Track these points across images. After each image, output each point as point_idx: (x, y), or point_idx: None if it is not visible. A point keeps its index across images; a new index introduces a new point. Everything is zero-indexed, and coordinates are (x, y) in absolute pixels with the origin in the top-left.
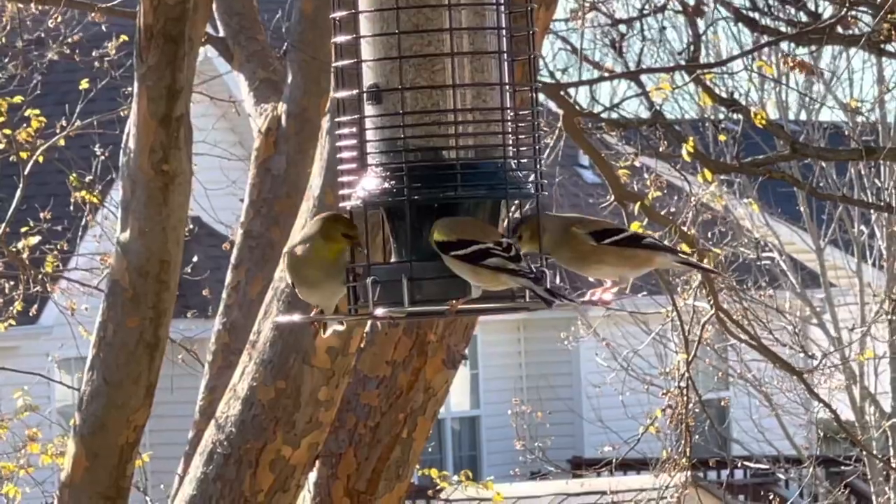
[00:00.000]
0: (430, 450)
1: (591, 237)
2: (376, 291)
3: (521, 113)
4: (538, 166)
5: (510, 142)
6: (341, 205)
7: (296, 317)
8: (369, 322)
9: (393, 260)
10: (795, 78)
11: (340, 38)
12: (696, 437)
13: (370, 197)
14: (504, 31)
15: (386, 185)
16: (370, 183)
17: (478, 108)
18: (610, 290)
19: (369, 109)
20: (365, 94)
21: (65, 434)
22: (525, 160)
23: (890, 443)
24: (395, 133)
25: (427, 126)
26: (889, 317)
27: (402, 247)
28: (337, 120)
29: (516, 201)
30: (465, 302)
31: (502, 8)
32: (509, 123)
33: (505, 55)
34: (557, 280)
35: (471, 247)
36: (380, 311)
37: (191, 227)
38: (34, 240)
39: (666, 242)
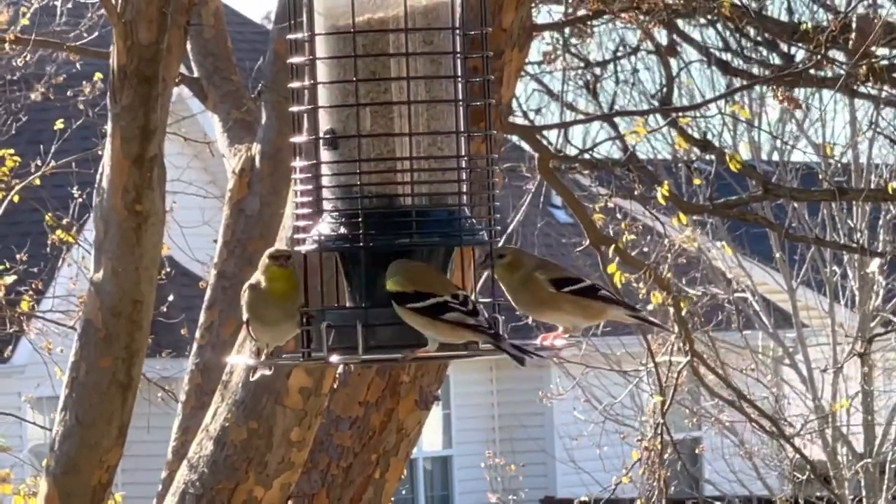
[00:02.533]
0: (402, 490)
1: (550, 284)
2: (331, 336)
3: (477, 159)
4: (491, 213)
5: (465, 189)
6: (296, 248)
7: (245, 357)
8: (326, 366)
9: (348, 304)
10: (768, 119)
11: (297, 84)
12: (671, 482)
13: (325, 242)
14: (461, 79)
15: (341, 230)
16: (325, 228)
17: (433, 157)
18: (561, 335)
19: (325, 155)
20: (321, 140)
21: (37, 474)
22: (479, 207)
23: (862, 483)
24: (351, 179)
25: (383, 173)
26: (861, 360)
27: (357, 292)
28: (293, 164)
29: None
30: (423, 352)
31: (458, 56)
32: (464, 171)
33: (461, 103)
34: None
35: (428, 300)
36: (334, 358)
37: (167, 269)
38: (10, 279)
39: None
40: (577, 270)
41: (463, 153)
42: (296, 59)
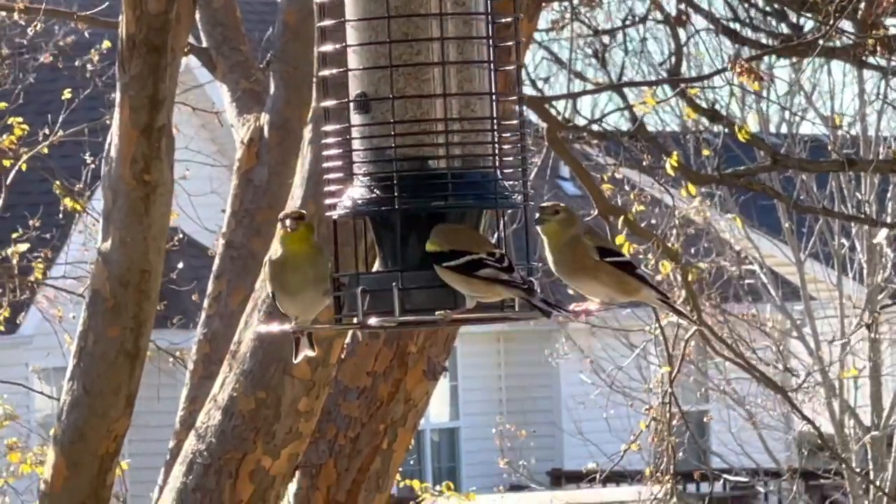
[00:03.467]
0: (411, 462)
1: (596, 251)
2: (365, 301)
3: (506, 123)
4: (525, 176)
5: (497, 151)
6: (327, 214)
7: (277, 326)
8: (350, 333)
9: (380, 269)
10: (776, 91)
11: (327, 48)
12: (679, 451)
13: (357, 206)
14: (490, 42)
15: (373, 194)
16: (357, 192)
17: (466, 118)
18: (597, 303)
19: (356, 119)
20: (353, 104)
21: (45, 444)
22: (511, 170)
23: (869, 456)
24: (384, 142)
25: (416, 135)
26: (869, 332)
27: (390, 256)
28: (323, 129)
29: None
30: (459, 312)
31: (489, 18)
32: (496, 133)
33: (491, 65)
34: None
35: (463, 257)
36: (373, 321)
37: (180, 235)
38: (23, 247)
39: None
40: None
41: (495, 115)
42: (326, 22)
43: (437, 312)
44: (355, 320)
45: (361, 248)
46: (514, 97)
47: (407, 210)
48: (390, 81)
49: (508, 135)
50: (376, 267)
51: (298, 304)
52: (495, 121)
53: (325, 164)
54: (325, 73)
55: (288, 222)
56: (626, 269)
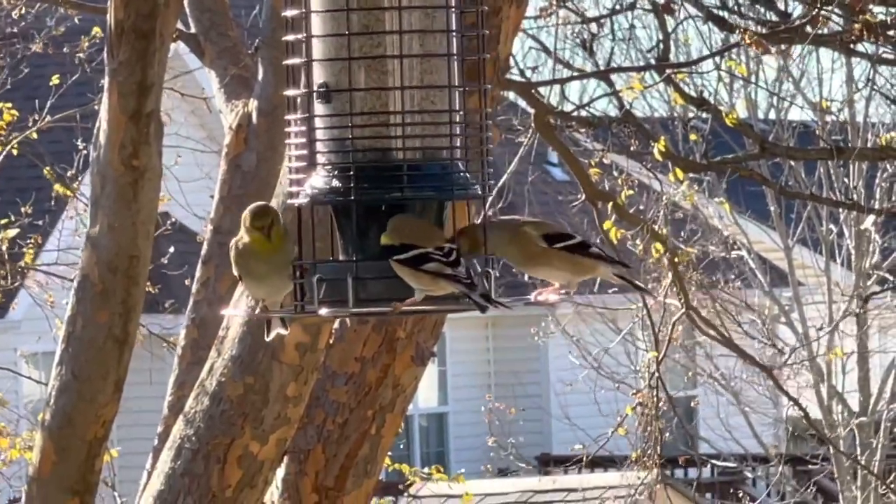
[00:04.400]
0: (401, 446)
1: (542, 239)
2: (321, 289)
3: (471, 113)
4: (485, 167)
5: (458, 143)
6: (289, 201)
7: (241, 311)
8: (304, 318)
9: (340, 258)
10: (765, 77)
11: (291, 37)
12: (666, 435)
13: (317, 195)
14: (454, 33)
15: (333, 183)
16: (318, 181)
17: (426, 110)
18: (555, 290)
19: (319, 108)
20: (315, 93)
21: (33, 429)
22: (473, 161)
23: (857, 441)
24: (344, 133)
25: (375, 127)
26: (857, 316)
27: (349, 245)
28: (287, 118)
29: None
30: (409, 304)
31: (453, 10)
32: (457, 125)
33: (455, 57)
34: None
35: (411, 251)
36: (324, 311)
37: (172, 220)
38: (13, 232)
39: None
40: (571, 228)
41: (456, 107)
42: (290, 12)
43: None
44: (311, 308)
45: (327, 237)
46: (477, 88)
47: (364, 200)
48: (349, 73)
49: (476, 126)
50: (337, 256)
51: (264, 289)
52: (457, 113)
53: (289, 153)
54: (290, 61)
55: (262, 228)
56: (577, 250)
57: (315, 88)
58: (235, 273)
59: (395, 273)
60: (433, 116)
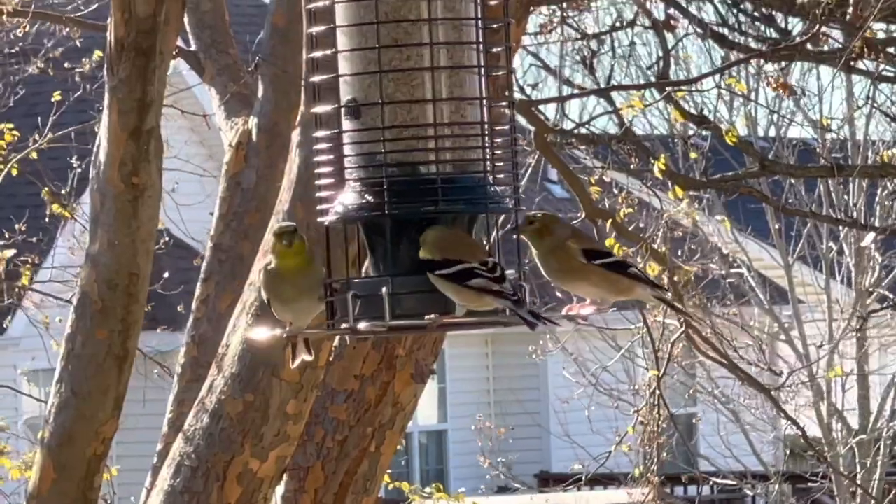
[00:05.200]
0: (401, 463)
1: (582, 254)
2: (356, 306)
3: (497, 128)
4: (516, 181)
5: (488, 156)
6: (319, 219)
7: (266, 332)
8: (338, 336)
9: (371, 274)
10: (765, 94)
11: (317, 54)
12: (665, 453)
13: (348, 212)
14: (481, 46)
15: (364, 199)
16: (348, 198)
17: (456, 123)
18: (588, 306)
19: (347, 124)
20: (343, 109)
21: (33, 446)
22: (502, 175)
23: (857, 459)
24: (374, 147)
25: (406, 140)
26: (856, 333)
27: (381, 261)
28: (314, 135)
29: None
30: (448, 318)
31: (479, 23)
32: (487, 138)
33: (482, 70)
34: (527, 295)
35: (455, 266)
36: (362, 326)
37: (166, 238)
38: (9, 253)
39: (639, 262)
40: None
41: (486, 120)
42: (315, 29)
43: (426, 317)
44: (346, 325)
45: (353, 253)
46: (504, 102)
47: (397, 215)
48: (379, 87)
49: (500, 140)
50: (368, 272)
51: (293, 312)
52: (486, 126)
53: (317, 170)
54: (316, 78)
55: (284, 240)
56: (617, 269)
57: (343, 104)
58: (264, 297)
59: (430, 288)
60: (463, 129)
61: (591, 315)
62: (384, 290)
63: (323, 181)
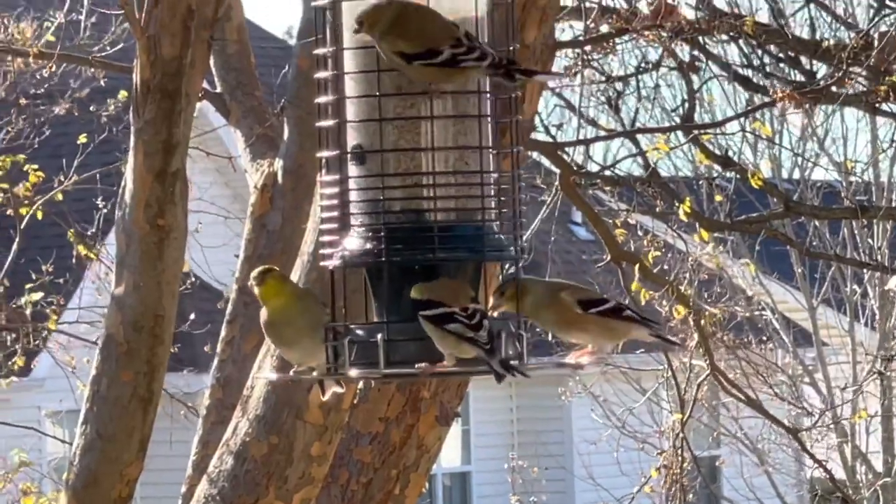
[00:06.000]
0: None
1: (578, 305)
2: (353, 351)
3: (502, 175)
4: (517, 229)
5: (492, 204)
6: (322, 263)
7: (273, 374)
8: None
9: (373, 319)
10: (790, 136)
11: (324, 99)
12: (689, 496)
13: (350, 257)
14: (488, 95)
15: (367, 245)
16: (351, 243)
17: (459, 171)
18: (588, 353)
19: (353, 170)
20: (349, 155)
21: (57, 488)
22: (507, 222)
23: (881, 502)
24: (377, 194)
25: (408, 188)
26: (881, 376)
27: (382, 307)
28: (321, 179)
29: (507, 264)
30: (439, 366)
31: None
32: (491, 186)
33: (488, 118)
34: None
35: (437, 308)
36: (353, 372)
37: (192, 279)
38: (37, 296)
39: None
40: (597, 288)
41: (490, 169)
42: (322, 74)
43: (416, 365)
44: (341, 371)
45: (360, 298)
46: (509, 150)
47: (396, 262)
48: (381, 134)
49: (507, 187)
50: (371, 317)
51: (297, 353)
52: (492, 174)
53: (322, 215)
54: (323, 123)
55: (255, 280)
56: (612, 315)
57: (349, 150)
58: (272, 343)
59: (427, 335)
60: (466, 177)
61: (591, 363)
62: (379, 336)
63: (327, 226)
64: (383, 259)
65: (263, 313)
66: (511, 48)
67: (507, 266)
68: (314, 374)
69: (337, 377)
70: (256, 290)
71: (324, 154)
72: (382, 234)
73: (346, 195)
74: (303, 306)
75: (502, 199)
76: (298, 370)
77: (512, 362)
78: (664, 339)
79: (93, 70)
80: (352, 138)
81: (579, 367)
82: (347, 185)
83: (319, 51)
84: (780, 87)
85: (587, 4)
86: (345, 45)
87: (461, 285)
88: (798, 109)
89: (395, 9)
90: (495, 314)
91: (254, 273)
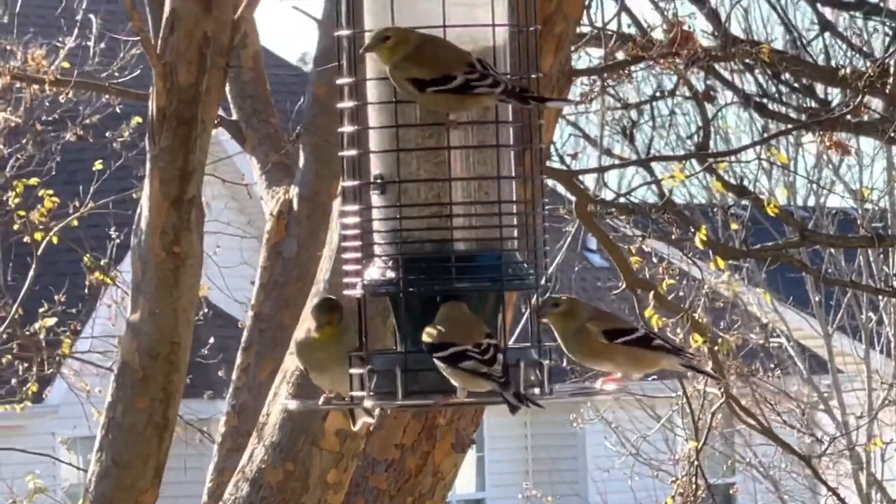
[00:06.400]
0: None
1: (603, 335)
2: (373, 380)
3: (524, 203)
4: (539, 258)
5: (513, 234)
6: (344, 292)
7: (304, 403)
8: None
9: (395, 348)
10: (805, 163)
11: (347, 128)
12: None
13: (371, 287)
14: (509, 124)
15: (388, 275)
16: (373, 273)
17: (479, 202)
18: (614, 380)
19: (374, 199)
20: (371, 185)
21: None
22: (528, 251)
23: None
24: (398, 224)
25: (428, 218)
26: None
27: (403, 336)
28: (342, 209)
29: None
30: (453, 398)
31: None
32: (513, 216)
33: (508, 147)
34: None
35: (449, 349)
36: (368, 402)
37: (205, 310)
38: (50, 321)
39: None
40: (624, 317)
41: (511, 198)
42: (344, 104)
43: (431, 400)
44: (358, 400)
45: (377, 326)
46: (531, 178)
47: (415, 292)
48: (397, 164)
49: (526, 216)
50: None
51: (327, 379)
52: (513, 204)
53: (343, 244)
54: (346, 153)
55: (327, 315)
56: (640, 344)
57: (371, 179)
58: (300, 365)
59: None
60: (487, 207)
61: (616, 390)
62: (397, 367)
63: (350, 255)
64: (405, 288)
65: (308, 335)
66: (533, 76)
67: (529, 295)
68: (331, 401)
69: (352, 406)
70: (322, 320)
71: (346, 184)
72: (402, 263)
73: (367, 224)
74: (343, 337)
75: (524, 227)
76: (328, 396)
77: (530, 391)
78: (697, 369)
79: (107, 97)
80: (373, 168)
81: (603, 392)
82: (369, 215)
83: (341, 80)
84: (815, 131)
85: (604, 33)
86: (367, 74)
87: (474, 319)
88: (846, 154)
89: (419, 36)
90: (543, 320)
91: (327, 302)
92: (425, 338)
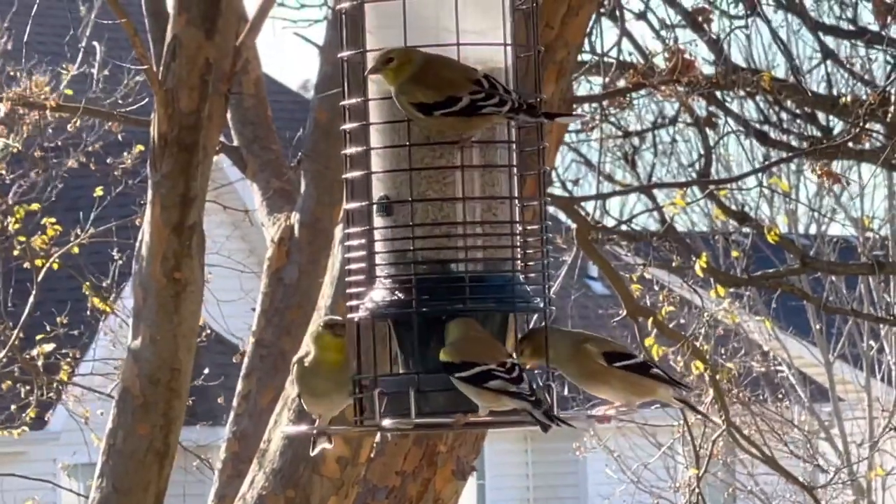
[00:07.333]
0: None
1: (602, 357)
2: (383, 403)
3: (530, 227)
4: (546, 280)
5: (519, 255)
6: (349, 315)
7: (305, 428)
8: (378, 432)
9: (400, 371)
10: (806, 191)
11: (351, 150)
12: None
13: (378, 309)
14: (514, 145)
15: (394, 296)
16: (378, 295)
17: (487, 222)
18: (616, 407)
19: (379, 221)
20: (375, 206)
21: None
22: (534, 274)
23: None
24: (405, 245)
25: (437, 238)
26: None
27: (410, 358)
28: (346, 231)
29: (529, 314)
30: (472, 417)
31: (513, 122)
32: (518, 237)
33: (515, 169)
34: (566, 390)
35: (473, 369)
36: (387, 423)
37: (207, 332)
38: (49, 347)
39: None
40: (622, 344)
41: (517, 219)
42: (349, 126)
43: (451, 417)
44: (372, 423)
45: (384, 350)
46: (536, 201)
47: (425, 312)
48: (410, 184)
49: (532, 239)
50: (399, 368)
51: (323, 405)
52: (518, 225)
53: (348, 267)
54: (350, 175)
55: (334, 331)
56: (638, 371)
57: (375, 201)
58: (296, 390)
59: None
60: (495, 228)
61: (617, 416)
62: (410, 388)
63: (354, 277)
64: (413, 310)
65: (308, 359)
66: (539, 98)
67: (528, 317)
68: (340, 428)
69: (370, 430)
70: (327, 338)
71: (350, 206)
72: (411, 284)
73: (372, 246)
74: (345, 364)
75: (528, 250)
76: (319, 423)
77: (555, 413)
78: (689, 405)
79: (109, 123)
80: (378, 190)
81: (606, 419)
82: (373, 237)
83: (346, 102)
84: (814, 163)
85: (605, 60)
86: (371, 96)
87: (489, 337)
88: (836, 182)
89: (423, 56)
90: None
91: (332, 321)
92: (444, 357)
